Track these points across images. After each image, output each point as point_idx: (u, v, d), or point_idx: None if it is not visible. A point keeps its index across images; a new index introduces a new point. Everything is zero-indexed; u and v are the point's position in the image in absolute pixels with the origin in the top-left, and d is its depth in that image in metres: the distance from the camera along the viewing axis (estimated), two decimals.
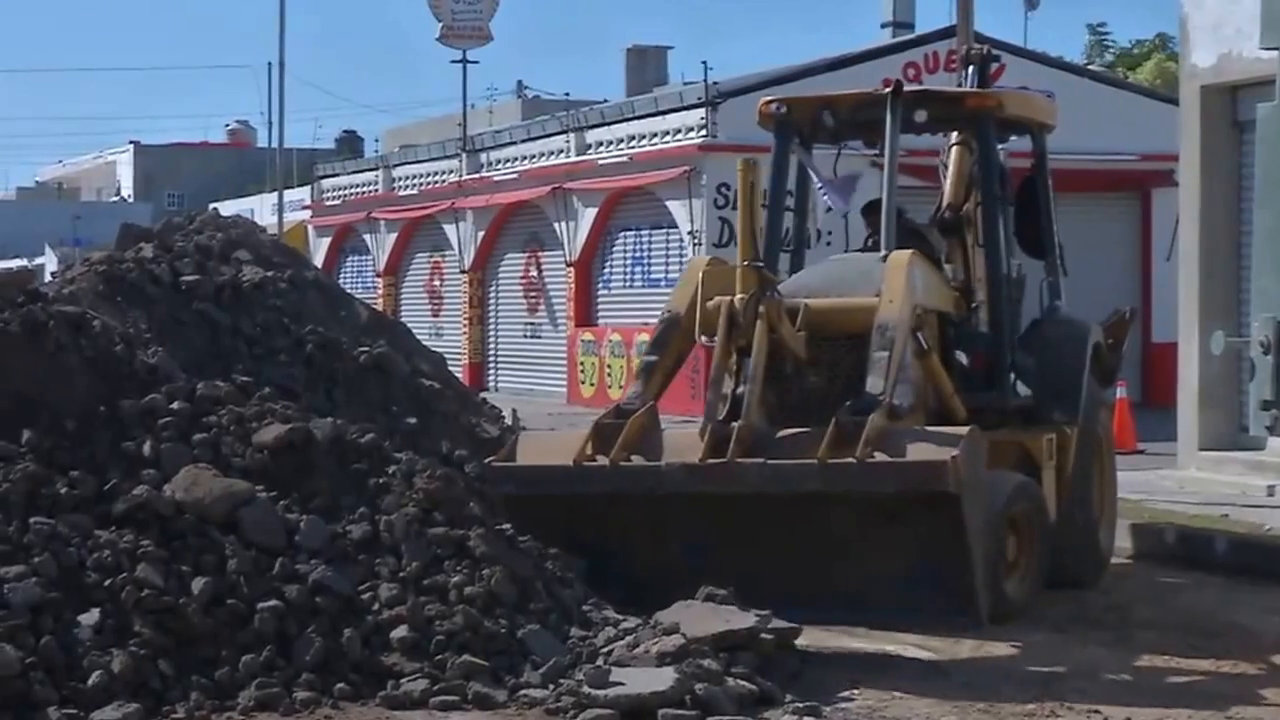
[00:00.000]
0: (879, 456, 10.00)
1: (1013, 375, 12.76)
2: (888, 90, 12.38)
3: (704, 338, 11.30)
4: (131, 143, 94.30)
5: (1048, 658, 10.54)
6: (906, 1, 35.91)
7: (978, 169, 13.43)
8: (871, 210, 12.72)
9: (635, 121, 33.89)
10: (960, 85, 14.69)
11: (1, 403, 10.53)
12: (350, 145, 78.01)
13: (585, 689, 8.69)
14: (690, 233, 30.98)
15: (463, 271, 40.30)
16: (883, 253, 11.74)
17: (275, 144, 56.66)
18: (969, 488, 9.90)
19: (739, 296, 10.78)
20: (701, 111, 31.40)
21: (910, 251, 11.61)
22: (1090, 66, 47.09)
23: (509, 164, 38.80)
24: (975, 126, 13.25)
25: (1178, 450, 20.28)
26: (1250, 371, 19.22)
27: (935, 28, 32.07)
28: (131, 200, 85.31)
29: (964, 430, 10.40)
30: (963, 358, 12.66)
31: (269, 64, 63.46)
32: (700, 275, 11.39)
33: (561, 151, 36.52)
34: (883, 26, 35.83)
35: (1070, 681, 9.88)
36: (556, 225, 36.29)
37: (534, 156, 37.79)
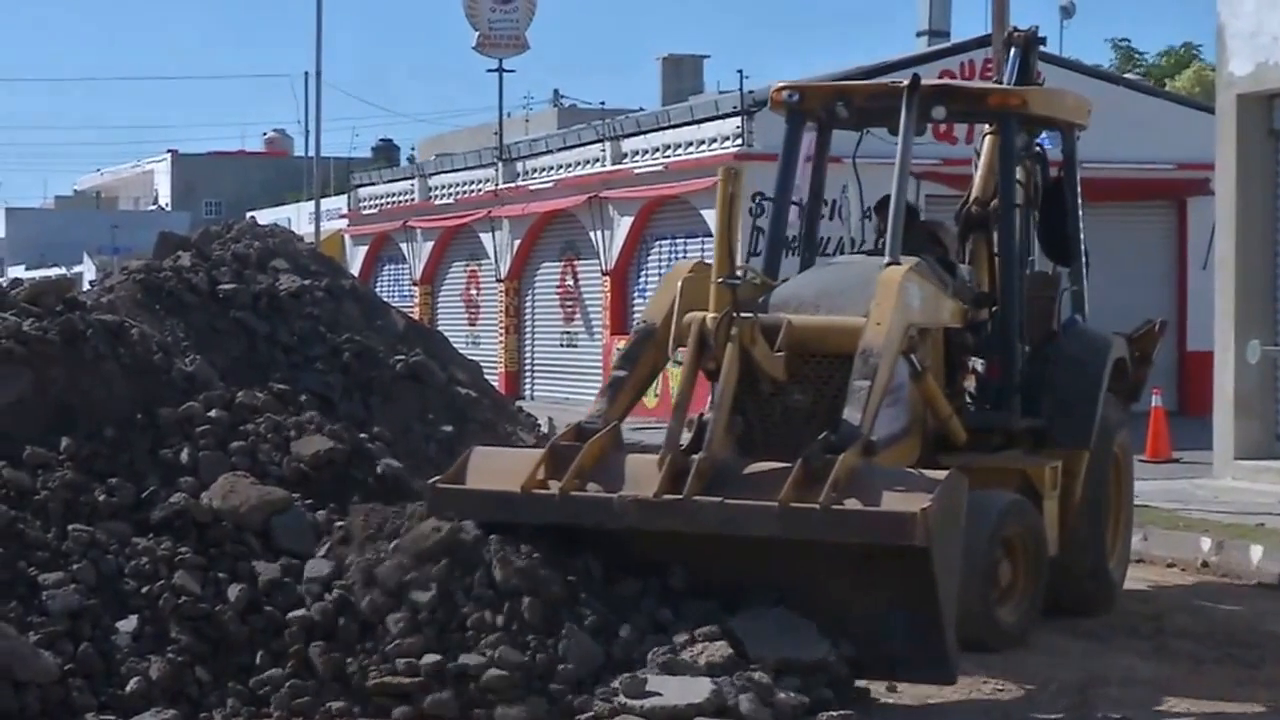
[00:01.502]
0: (847, 502, 9.24)
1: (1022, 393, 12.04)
2: (904, 83, 11.61)
3: (677, 353, 10.57)
4: (169, 152, 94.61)
5: (1083, 665, 10.52)
6: (942, 10, 35.85)
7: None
8: (883, 207, 12.03)
9: (671, 130, 33.90)
10: (1003, 70, 14.15)
11: (41, 410, 10.58)
12: (386, 154, 78.20)
13: (620, 698, 8.64)
14: None
15: (499, 280, 40.34)
16: (886, 259, 11.03)
17: (312, 153, 56.79)
18: (940, 539, 9.13)
19: (710, 316, 10.00)
20: (737, 120, 31.38)
21: (906, 266, 10.81)
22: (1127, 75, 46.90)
23: (545, 173, 38.84)
24: (998, 125, 12.62)
25: (1213, 459, 20.22)
26: None
27: (971, 36, 31.99)
28: (169, 209, 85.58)
29: (942, 474, 9.54)
30: (979, 365, 12.07)
31: (306, 73, 63.59)
32: (679, 284, 10.52)
33: (597, 160, 36.54)
34: (918, 35, 35.77)
35: (1105, 689, 9.86)
36: (592, 234, 36.31)
37: (570, 165, 37.81)
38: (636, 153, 35.28)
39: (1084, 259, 13.21)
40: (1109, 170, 29.39)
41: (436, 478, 10.08)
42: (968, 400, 12.03)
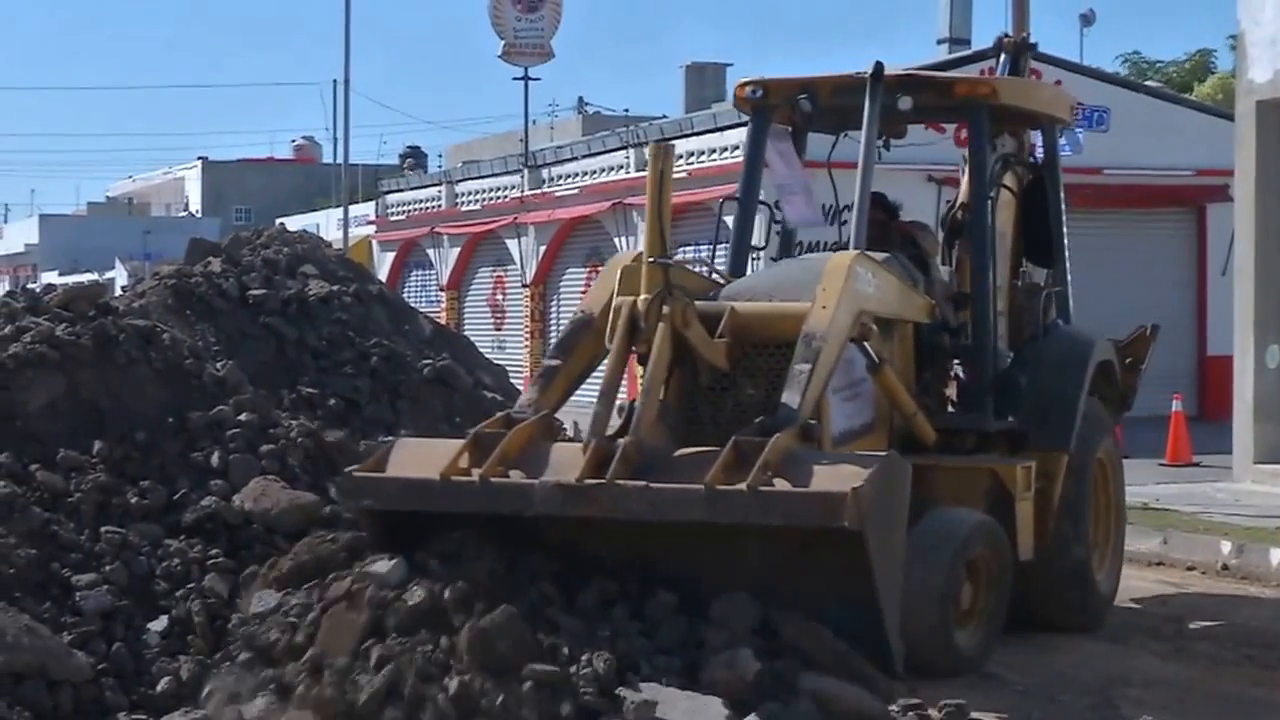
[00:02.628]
0: (777, 484, 8.63)
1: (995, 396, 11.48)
2: (868, 73, 10.98)
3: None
4: (200, 159, 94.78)
5: (1105, 667, 10.51)
6: (963, 18, 35.76)
7: (998, 166, 12.34)
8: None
9: (694, 138, 33.87)
10: (996, 71, 13.57)
11: (74, 414, 10.61)
12: (414, 161, 78.29)
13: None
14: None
15: (525, 285, 40.35)
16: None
17: (340, 160, 56.90)
18: (876, 523, 8.50)
19: (641, 297, 9.44)
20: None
21: (857, 253, 10.28)
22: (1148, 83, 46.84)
23: (570, 179, 38.86)
24: (967, 117, 11.87)
25: (1233, 463, 20.20)
26: None
27: (991, 44, 31.94)
28: (200, 215, 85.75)
29: (880, 455, 9.05)
30: (961, 371, 11.63)
31: (334, 81, 63.85)
32: (619, 272, 9.95)
33: (621, 167, 36.54)
34: (939, 43, 35.69)
35: (1126, 690, 9.85)
36: (617, 240, 36.31)
37: (594, 172, 37.82)
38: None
39: (1066, 260, 12.65)
40: (1129, 176, 29.38)
41: (354, 466, 9.69)
42: (950, 404, 11.66)
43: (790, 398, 9.25)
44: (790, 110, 11.75)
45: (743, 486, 8.52)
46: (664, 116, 45.46)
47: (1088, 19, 52.66)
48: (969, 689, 9.61)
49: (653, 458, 9.03)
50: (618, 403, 9.48)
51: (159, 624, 9.34)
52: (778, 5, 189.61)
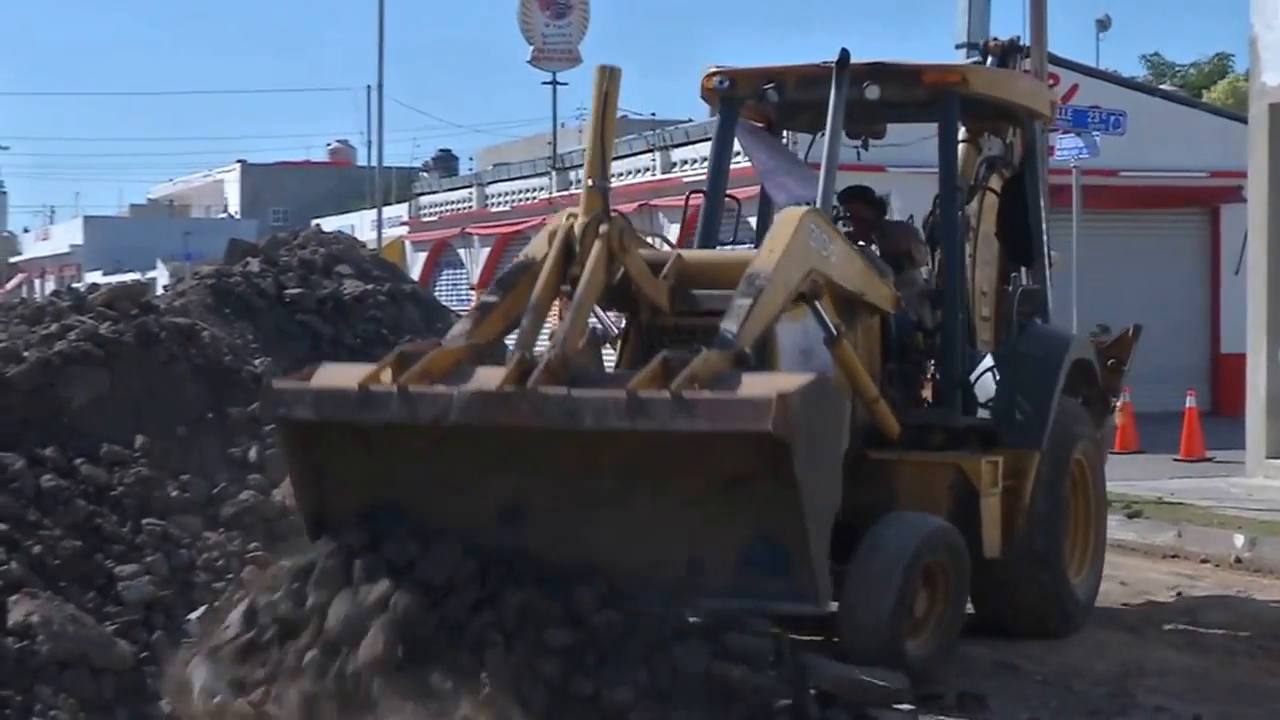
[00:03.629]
0: (703, 394, 8.06)
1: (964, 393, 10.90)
2: (834, 62, 10.31)
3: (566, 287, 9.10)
4: (238, 162, 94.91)
5: (1121, 656, 10.48)
6: (980, 23, 35.51)
7: (984, 168, 11.86)
8: (849, 198, 11.14)
9: (703, 144, 33.88)
10: None
11: (116, 409, 10.65)
12: (445, 164, 78.36)
13: None
14: None
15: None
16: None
17: (375, 163, 56.99)
18: (804, 436, 7.91)
19: (579, 219, 8.99)
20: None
21: (811, 209, 9.66)
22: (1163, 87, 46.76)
23: None
24: (937, 107, 10.95)
25: (1246, 458, 20.15)
26: None
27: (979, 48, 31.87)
28: (238, 217, 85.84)
29: (814, 375, 8.37)
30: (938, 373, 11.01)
31: (368, 86, 63.84)
32: (564, 218, 9.34)
33: (647, 170, 36.54)
34: (957, 48, 35.48)
35: (1142, 680, 9.83)
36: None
37: (621, 174, 37.80)
38: (685, 162, 35.27)
39: (1047, 258, 12.02)
40: (1145, 178, 29.30)
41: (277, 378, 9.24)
42: (927, 404, 11.04)
43: (728, 326, 8.71)
44: (758, 101, 11.26)
45: (665, 393, 8.02)
46: (689, 120, 45.38)
47: (1104, 24, 52.54)
48: (987, 678, 9.62)
49: (578, 374, 8.52)
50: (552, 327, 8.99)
51: (198, 614, 9.37)
52: (801, 10, 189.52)
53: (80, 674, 8.63)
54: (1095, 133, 23.23)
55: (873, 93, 10.61)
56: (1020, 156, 11.98)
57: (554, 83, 44.86)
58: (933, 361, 11.07)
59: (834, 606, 8.83)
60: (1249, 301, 20.55)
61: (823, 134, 10.48)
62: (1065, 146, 22.50)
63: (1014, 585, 10.59)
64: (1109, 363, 12.33)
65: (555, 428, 8.22)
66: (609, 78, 9.09)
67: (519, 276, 9.19)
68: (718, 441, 8.19)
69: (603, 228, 9.00)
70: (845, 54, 10.33)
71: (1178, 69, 60.57)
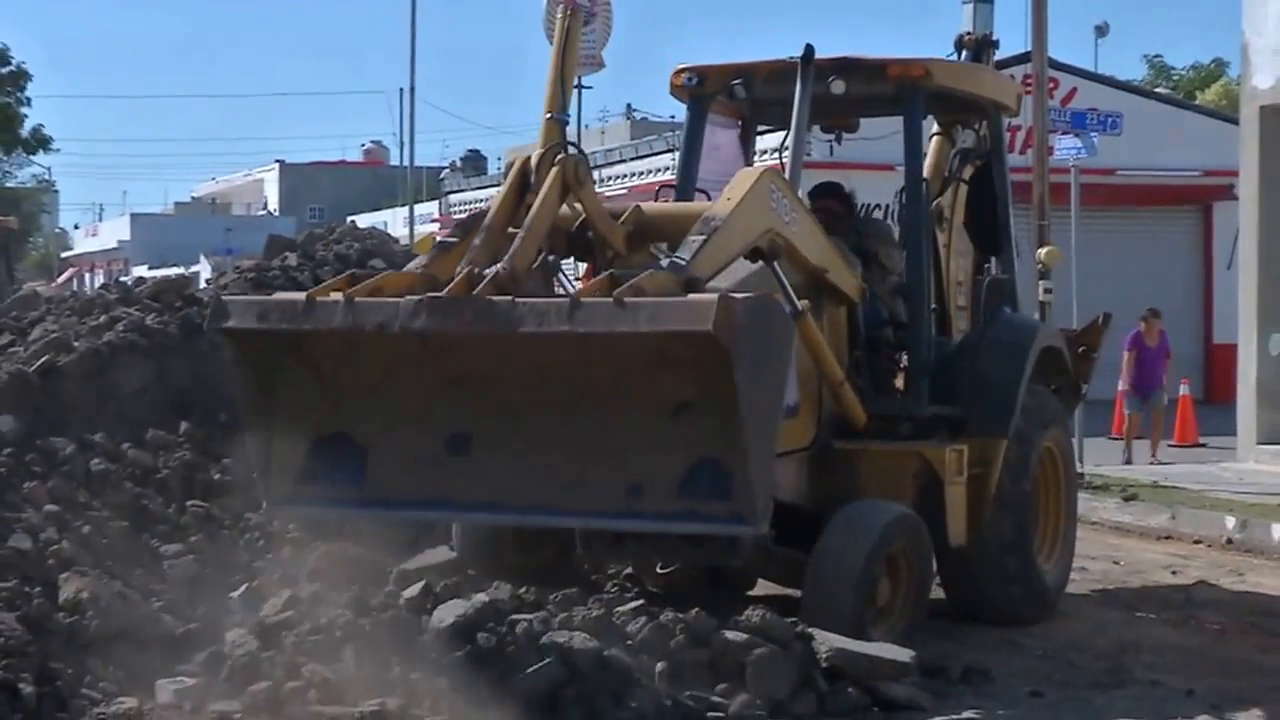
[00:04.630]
0: (645, 299, 7.80)
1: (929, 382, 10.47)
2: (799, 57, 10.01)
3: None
4: (277, 161, 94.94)
5: (1118, 633, 10.45)
6: (985, 27, 35.47)
7: (957, 160, 11.55)
8: (820, 195, 10.83)
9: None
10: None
11: (161, 397, 10.67)
12: (474, 163, 78.35)
13: None
14: None
15: (577, 279, 40.34)
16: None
17: (407, 162, 57.01)
18: (747, 345, 7.56)
19: (536, 150, 8.71)
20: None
21: (770, 168, 9.37)
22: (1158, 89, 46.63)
23: (618, 181, 38.82)
24: (902, 101, 10.56)
25: (1237, 444, 20.12)
26: None
27: (1011, 54, 31.79)
28: (277, 214, 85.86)
29: (759, 294, 8.05)
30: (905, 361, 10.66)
31: (401, 90, 63.93)
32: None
33: (667, 169, 36.45)
34: (950, 55, 35.60)
35: (1139, 655, 9.79)
36: None
37: (642, 174, 37.78)
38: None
39: (1014, 248, 11.64)
40: (1141, 177, 29.24)
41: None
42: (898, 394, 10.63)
43: (679, 254, 8.41)
44: (727, 98, 10.90)
45: (608, 298, 7.79)
46: None
47: (1102, 30, 52.48)
48: (989, 653, 9.60)
49: (524, 290, 8.20)
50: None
51: (240, 591, 9.37)
52: (818, 16, 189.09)
53: (128, 647, 8.63)
54: (1093, 134, 23.13)
55: (838, 87, 10.31)
56: (987, 148, 11.59)
57: (579, 86, 44.76)
58: (903, 354, 10.74)
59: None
60: (1240, 295, 20.51)
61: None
62: (1064, 147, 22.41)
63: (983, 572, 10.31)
64: (1080, 350, 12.03)
65: (498, 333, 7.93)
66: (570, 16, 9.01)
67: (478, 221, 8.85)
68: (662, 365, 7.94)
69: (558, 157, 8.73)
70: (810, 49, 10.06)
71: (1174, 72, 60.49)
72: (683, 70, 10.90)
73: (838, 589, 8.89)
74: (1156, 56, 61.52)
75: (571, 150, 8.87)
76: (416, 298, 8.05)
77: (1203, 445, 21.93)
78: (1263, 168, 20.01)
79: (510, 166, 8.89)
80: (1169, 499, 16.27)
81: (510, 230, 8.68)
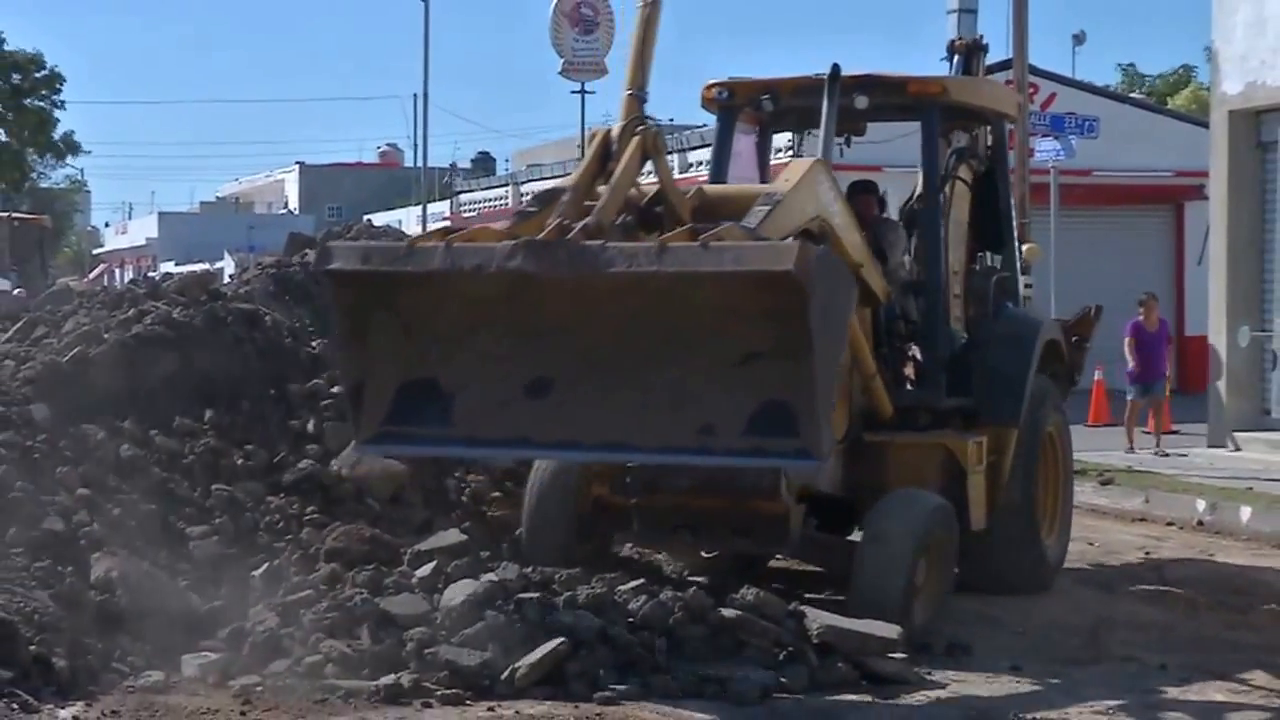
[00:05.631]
0: (728, 242, 8.06)
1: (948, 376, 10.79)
2: (826, 74, 10.33)
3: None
4: (297, 163, 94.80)
5: (1094, 610, 10.44)
6: (969, 36, 35.55)
7: (953, 160, 11.62)
8: (855, 192, 10.89)
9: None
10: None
11: (187, 386, 10.65)
12: (484, 165, 78.23)
13: None
14: None
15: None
16: None
17: (420, 164, 56.97)
18: (820, 290, 7.73)
19: (617, 124, 8.91)
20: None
21: (821, 160, 9.64)
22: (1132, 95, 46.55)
23: None
24: (919, 114, 11.00)
25: (1208, 431, 20.10)
26: (1273, 362, 19.21)
27: (993, 61, 31.74)
28: (297, 213, 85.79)
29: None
30: (919, 354, 10.92)
31: (415, 95, 63.71)
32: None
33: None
34: (941, 59, 35.52)
35: (1114, 631, 9.79)
36: None
37: (644, 174, 37.76)
38: (702, 163, 35.17)
39: (1016, 245, 12.03)
40: (1116, 177, 29.19)
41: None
42: (909, 384, 10.89)
43: (746, 221, 8.59)
44: (754, 110, 11.23)
45: (694, 243, 7.97)
46: (705, 125, 45.29)
47: (1079, 38, 52.39)
48: (972, 629, 9.59)
49: (611, 238, 8.34)
50: None
51: (261, 570, 9.37)
52: (806, 22, 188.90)
53: (155, 624, 8.63)
54: (1071, 136, 23.14)
55: (861, 102, 10.59)
56: (990, 154, 11.89)
57: (582, 92, 44.81)
58: (914, 346, 10.95)
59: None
60: (1210, 289, 20.50)
61: (810, 133, 10.66)
62: (1043, 149, 22.40)
63: (995, 551, 10.52)
64: (1073, 340, 12.24)
65: (590, 272, 8.03)
66: (651, 5, 9.23)
67: (556, 194, 8.95)
68: (733, 317, 8.08)
69: (639, 129, 8.91)
70: (836, 68, 10.32)
71: (1146, 79, 60.41)
72: (713, 85, 11.20)
73: (889, 572, 9.09)
74: (1130, 65, 61.41)
75: (650, 123, 9.01)
76: (513, 241, 8.16)
77: (1176, 432, 21.88)
78: (1231, 169, 20.01)
79: (593, 138, 9.08)
80: (1143, 483, 16.27)
81: (588, 204, 8.76)
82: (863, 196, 11.02)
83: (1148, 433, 20.24)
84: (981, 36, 12.86)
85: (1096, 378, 22.99)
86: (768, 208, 8.73)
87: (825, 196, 9.40)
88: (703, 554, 10.69)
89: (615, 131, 8.92)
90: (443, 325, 8.57)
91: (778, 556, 10.90)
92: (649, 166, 9.12)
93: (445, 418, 8.56)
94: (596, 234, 8.22)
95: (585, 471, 9.95)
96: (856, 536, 9.96)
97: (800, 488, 9.58)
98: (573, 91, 44.89)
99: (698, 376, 8.21)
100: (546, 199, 8.93)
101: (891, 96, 10.87)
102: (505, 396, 8.47)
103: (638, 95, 9.06)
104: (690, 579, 10.24)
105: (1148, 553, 12.95)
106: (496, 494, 11.05)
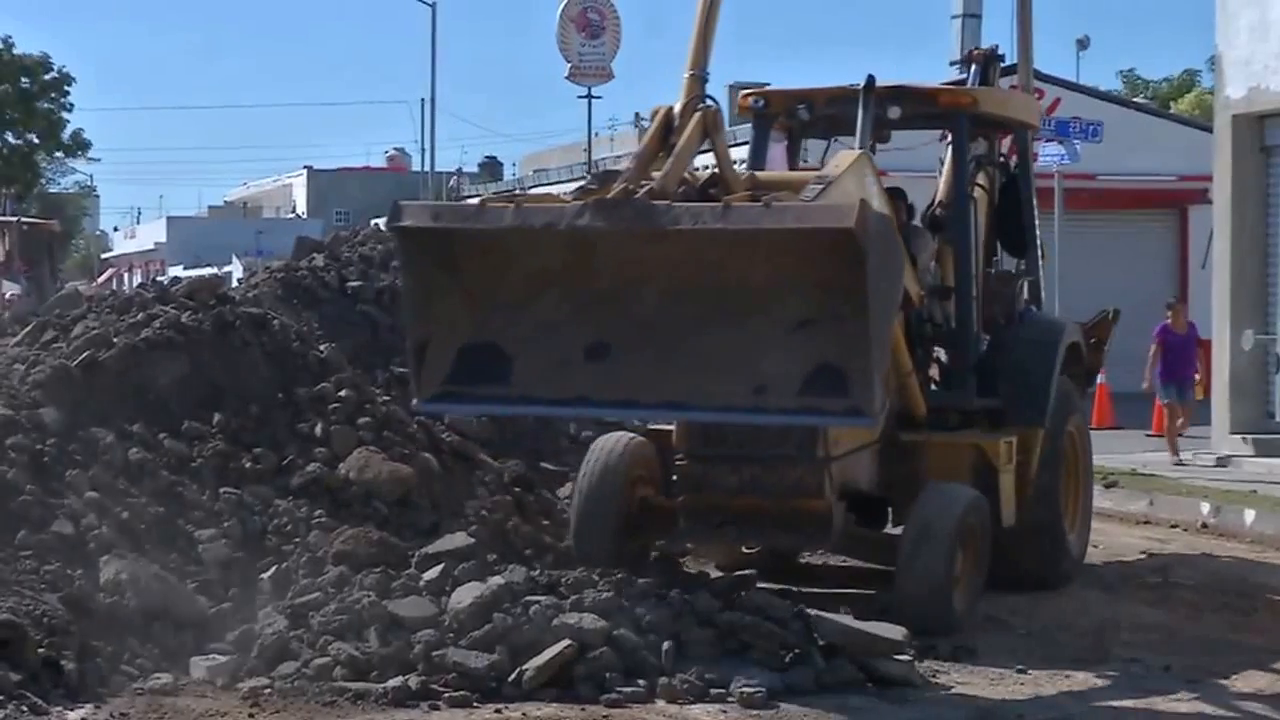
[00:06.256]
0: (790, 201, 8.46)
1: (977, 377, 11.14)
2: (860, 85, 10.71)
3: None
4: (305, 167, 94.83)
5: (1098, 612, 10.44)
6: (973, 42, 35.45)
7: (973, 166, 11.88)
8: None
9: (736, 148, 33.73)
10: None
11: (196, 390, 10.66)
12: (491, 169, 78.25)
13: None
14: None
15: None
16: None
17: (427, 168, 56.99)
18: (876, 249, 7.96)
19: (679, 101, 9.21)
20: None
21: (865, 152, 9.99)
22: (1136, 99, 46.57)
23: None
24: (949, 124, 11.50)
25: (1212, 434, 20.06)
26: (1276, 365, 19.18)
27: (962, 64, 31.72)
28: (305, 217, 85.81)
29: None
30: (943, 355, 11.27)
31: (422, 100, 63.83)
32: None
33: None
34: (951, 64, 35.54)
35: (1118, 633, 9.78)
36: None
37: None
38: (706, 167, 35.16)
39: (1039, 251, 12.38)
40: (1121, 182, 29.17)
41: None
42: (934, 386, 11.19)
43: (803, 195, 8.80)
44: (788, 119, 11.52)
45: (759, 202, 8.28)
46: None
47: (1083, 43, 52.24)
48: (978, 632, 9.59)
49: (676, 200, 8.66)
50: None
51: (270, 573, 9.37)
52: (809, 28, 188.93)
53: (164, 626, 8.64)
54: (1075, 141, 23.13)
55: (894, 112, 10.90)
56: (1017, 163, 12.21)
57: (589, 96, 44.84)
58: (940, 349, 11.24)
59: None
60: (1214, 293, 20.45)
61: (837, 139, 11.06)
62: (1048, 153, 22.40)
63: (1022, 547, 10.72)
64: (1091, 341, 12.49)
65: (657, 229, 8.24)
66: None
67: (614, 174, 9.12)
68: (786, 282, 8.33)
69: (700, 107, 9.14)
70: (871, 79, 10.66)
71: (1150, 84, 60.36)
72: (749, 94, 11.52)
73: (931, 562, 9.46)
74: (1130, 70, 61.34)
75: (709, 102, 9.26)
76: (583, 201, 8.42)
77: (1179, 435, 21.86)
78: (1235, 173, 19.97)
79: (654, 115, 9.28)
80: (1147, 486, 16.25)
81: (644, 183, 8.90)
82: (892, 202, 10.95)
83: (1151, 435, 20.19)
84: (997, 46, 13.08)
85: (1099, 381, 22.94)
86: (820, 186, 8.94)
87: (871, 188, 9.61)
88: (744, 550, 11.07)
89: (677, 109, 9.17)
90: (504, 293, 8.81)
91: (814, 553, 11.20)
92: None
93: (505, 379, 8.80)
94: (660, 197, 8.45)
95: (630, 475, 10.25)
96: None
97: (841, 486, 9.91)
98: (579, 96, 44.96)
99: (752, 340, 8.43)
100: (605, 178, 9.11)
101: (923, 107, 11.21)
102: (564, 359, 8.71)
103: (699, 75, 9.34)
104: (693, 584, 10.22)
105: (1151, 555, 12.93)
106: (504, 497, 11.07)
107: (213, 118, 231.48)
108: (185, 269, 63.76)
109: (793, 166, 11.86)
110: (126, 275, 78.15)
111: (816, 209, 8.29)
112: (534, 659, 7.99)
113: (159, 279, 13.05)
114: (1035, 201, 12.22)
